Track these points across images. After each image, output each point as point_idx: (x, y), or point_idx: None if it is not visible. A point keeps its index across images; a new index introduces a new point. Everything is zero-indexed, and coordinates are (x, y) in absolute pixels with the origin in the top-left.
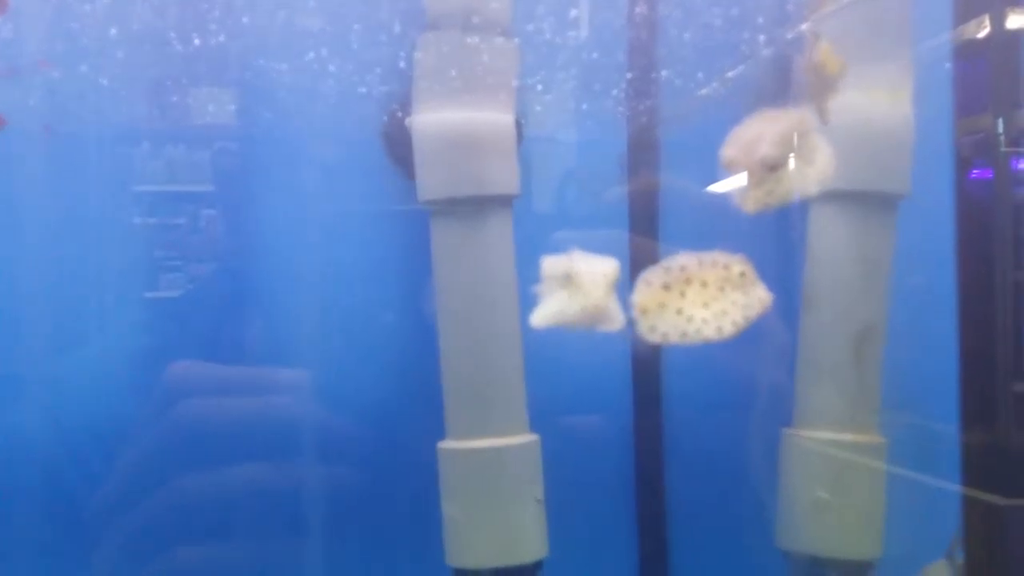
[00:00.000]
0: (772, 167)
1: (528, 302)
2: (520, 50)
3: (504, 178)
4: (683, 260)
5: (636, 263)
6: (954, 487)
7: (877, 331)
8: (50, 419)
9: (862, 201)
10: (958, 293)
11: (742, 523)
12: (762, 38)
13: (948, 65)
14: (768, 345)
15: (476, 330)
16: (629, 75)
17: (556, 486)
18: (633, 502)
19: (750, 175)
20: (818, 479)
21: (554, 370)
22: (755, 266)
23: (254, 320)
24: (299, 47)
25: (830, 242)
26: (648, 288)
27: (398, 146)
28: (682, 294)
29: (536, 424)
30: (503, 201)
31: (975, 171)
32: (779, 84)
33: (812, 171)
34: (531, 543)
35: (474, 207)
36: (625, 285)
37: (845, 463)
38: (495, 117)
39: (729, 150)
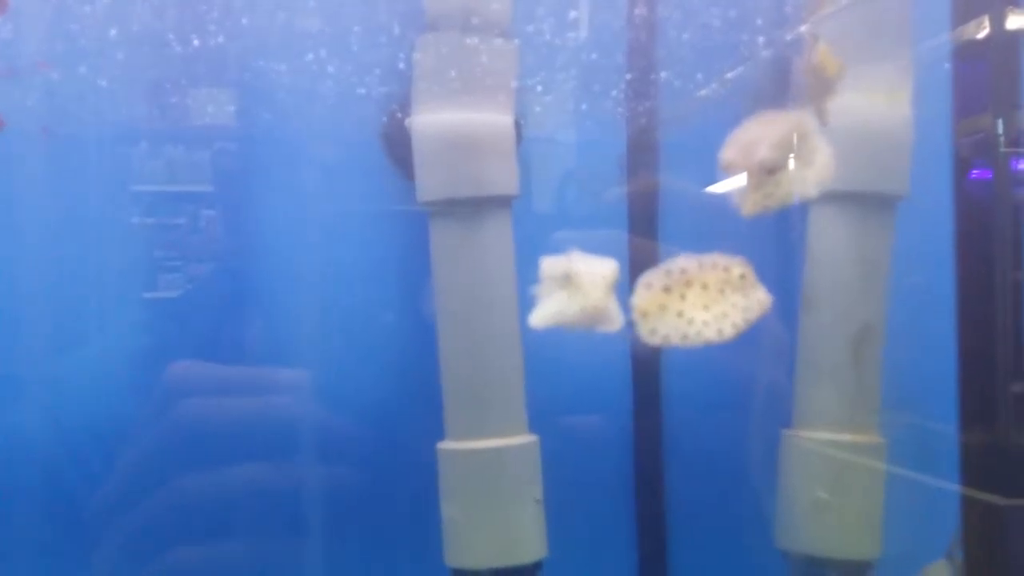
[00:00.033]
0: (770, 170)
1: (527, 303)
2: (519, 51)
3: (503, 179)
4: (683, 262)
5: (635, 264)
6: (953, 487)
7: (876, 331)
8: (50, 419)
9: (861, 202)
10: (957, 293)
11: (741, 523)
12: (761, 40)
13: (947, 66)
14: (767, 345)
15: (475, 331)
16: (628, 76)
17: (555, 486)
18: (632, 502)
19: (749, 178)
20: (817, 479)
21: (553, 371)
22: (754, 267)
23: (253, 320)
24: (298, 48)
25: (829, 243)
26: (648, 291)
27: (397, 147)
28: (682, 296)
29: (535, 424)
30: (502, 202)
31: (974, 171)
32: (778, 85)
33: (811, 173)
34: (530, 543)
35: (473, 208)
36: (624, 286)
37: (844, 463)
38: (494, 118)
39: (728, 153)
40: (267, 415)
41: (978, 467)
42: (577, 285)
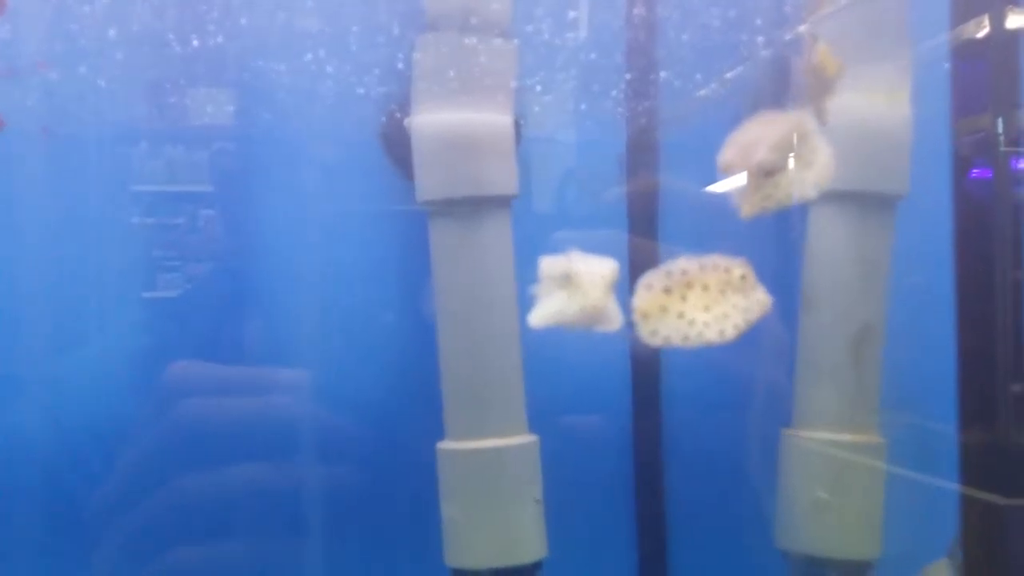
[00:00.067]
0: (768, 172)
1: (527, 302)
2: (519, 51)
3: (502, 179)
4: (684, 264)
5: (635, 263)
6: (953, 487)
7: (876, 331)
8: (50, 418)
9: (861, 201)
10: (957, 293)
11: (741, 523)
12: (760, 39)
13: (946, 65)
14: (767, 345)
15: (475, 331)
16: (628, 76)
17: (555, 486)
18: (632, 502)
19: (747, 180)
20: (817, 479)
21: (553, 370)
22: (754, 266)
23: (253, 320)
24: (298, 48)
25: (829, 242)
26: (649, 292)
27: (396, 147)
28: (683, 298)
29: (535, 424)
30: (502, 202)
31: (974, 171)
32: (777, 85)
33: (810, 175)
34: (530, 543)
35: (472, 208)
36: (624, 286)
37: (844, 463)
38: (493, 118)
39: (726, 155)
40: (267, 415)
41: (978, 467)
42: (576, 285)
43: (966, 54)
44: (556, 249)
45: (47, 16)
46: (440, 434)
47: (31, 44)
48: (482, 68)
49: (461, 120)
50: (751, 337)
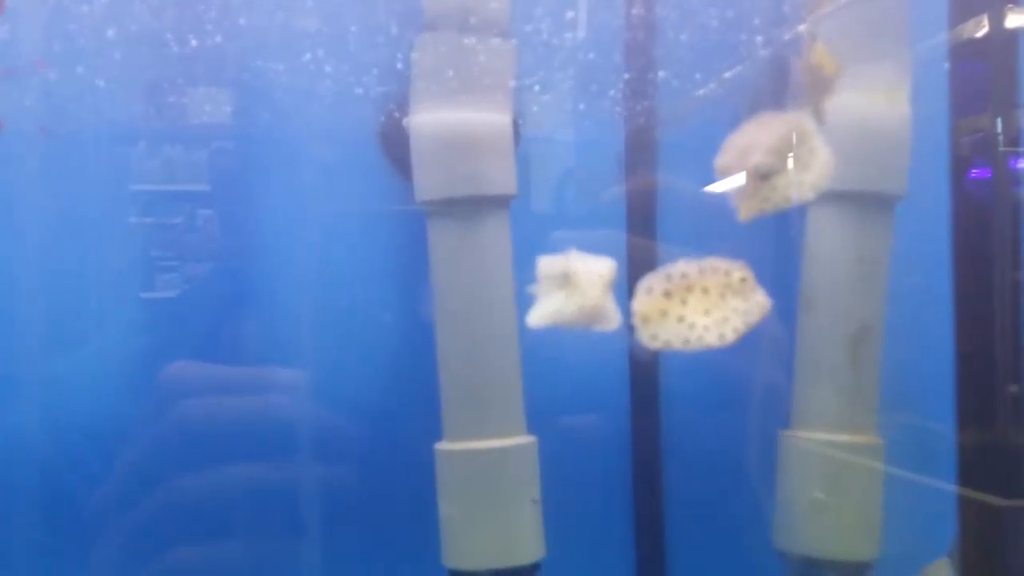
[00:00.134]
0: (765, 175)
1: (525, 302)
2: (517, 51)
3: (501, 178)
4: (683, 267)
5: (634, 263)
6: (951, 488)
7: (874, 332)
8: (46, 418)
9: (860, 201)
10: (955, 293)
11: (739, 524)
12: (759, 39)
13: (945, 65)
14: (766, 346)
15: (473, 331)
16: (627, 76)
17: (554, 487)
18: (630, 503)
19: (745, 183)
20: (815, 480)
21: (552, 371)
22: (753, 267)
23: (251, 320)
24: (296, 48)
25: (828, 242)
26: (649, 296)
27: (395, 147)
28: (683, 301)
29: (534, 425)
30: (500, 201)
31: (973, 171)
32: (776, 85)
33: (808, 177)
34: (528, 544)
35: (471, 207)
36: (623, 286)
37: (842, 464)
38: (492, 118)
39: (723, 158)
40: (265, 415)
41: (976, 468)
42: (575, 284)
43: (965, 54)
44: (555, 249)
45: (46, 16)
46: (438, 434)
47: (30, 44)
48: (481, 68)
49: (460, 120)
50: (750, 337)
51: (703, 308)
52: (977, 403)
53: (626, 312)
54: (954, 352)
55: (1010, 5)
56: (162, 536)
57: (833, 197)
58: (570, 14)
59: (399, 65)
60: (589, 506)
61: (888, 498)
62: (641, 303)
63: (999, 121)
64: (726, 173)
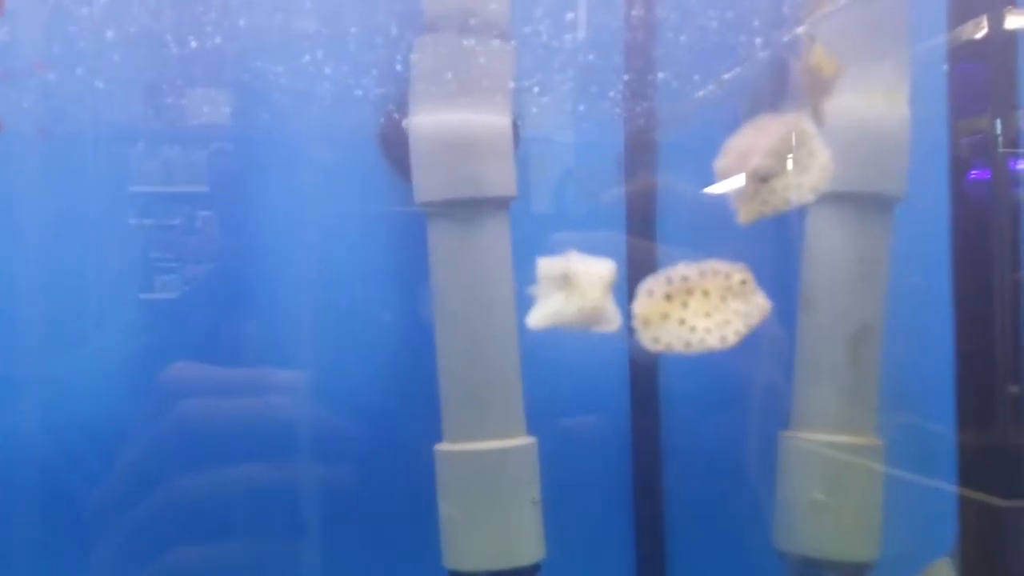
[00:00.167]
0: (764, 178)
1: (525, 303)
2: (517, 52)
3: (501, 180)
4: (684, 270)
5: (633, 264)
6: (951, 488)
7: (874, 332)
8: (46, 418)
9: (859, 202)
10: (955, 294)
11: (739, 524)
12: (758, 40)
13: (944, 66)
14: (766, 346)
15: (473, 332)
16: (626, 77)
17: (554, 487)
18: (630, 503)
19: (744, 186)
20: (815, 481)
21: (551, 371)
22: (753, 267)
23: (251, 321)
24: (296, 49)
25: (827, 243)
26: (650, 299)
27: (394, 148)
28: (684, 304)
29: (533, 425)
30: (500, 203)
31: (973, 172)
32: (775, 87)
33: (807, 179)
34: (528, 545)
35: (471, 209)
36: (622, 287)
37: (842, 465)
38: (492, 119)
39: (723, 161)
40: (265, 416)
41: (976, 468)
42: (575, 285)
43: (964, 55)
44: (554, 250)
45: (45, 18)
46: (438, 435)
47: (29, 45)
48: (480, 69)
49: (459, 121)
50: (750, 338)
51: (704, 311)
52: (977, 403)
53: (626, 314)
54: (954, 352)
55: (1009, 6)
56: (162, 536)
57: (833, 198)
58: (570, 15)
59: (398, 66)
60: (589, 507)
61: (888, 499)
62: (642, 306)
63: (998, 122)
64: (726, 176)
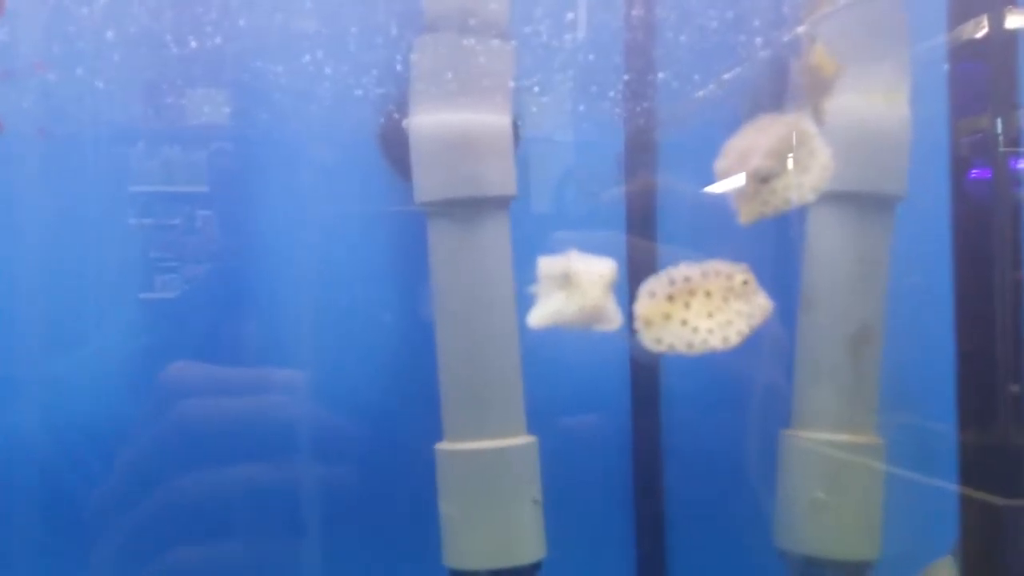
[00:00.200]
0: (764, 179)
1: (526, 303)
2: (517, 52)
3: (501, 179)
4: (686, 271)
5: (634, 264)
6: (952, 487)
7: (875, 332)
8: (46, 418)
9: (859, 202)
10: (955, 293)
11: (740, 523)
12: (759, 40)
13: (945, 66)
14: (766, 346)
15: (474, 331)
16: (626, 77)
17: (554, 487)
18: (631, 502)
19: (745, 187)
20: (816, 480)
21: (552, 371)
22: (753, 267)
23: (251, 321)
24: (296, 49)
25: (828, 243)
26: (652, 300)
27: (394, 148)
28: (686, 305)
29: (534, 424)
30: (500, 202)
31: (973, 171)
32: (776, 86)
33: (808, 179)
34: (529, 544)
35: (471, 208)
36: (623, 286)
37: (843, 464)
38: (492, 119)
39: (723, 162)
40: (265, 416)
41: (977, 467)
42: (576, 284)
43: (965, 54)
44: (555, 249)
45: (45, 18)
46: (438, 435)
47: (29, 46)
48: (480, 69)
49: (459, 121)
50: (750, 338)
51: (706, 311)
52: (978, 402)
53: (627, 315)
54: (955, 352)
55: (1009, 6)
56: (162, 536)
57: (833, 198)
58: (570, 15)
59: (398, 66)
60: (590, 506)
61: (889, 498)
62: (644, 307)
63: (999, 122)
64: (726, 177)
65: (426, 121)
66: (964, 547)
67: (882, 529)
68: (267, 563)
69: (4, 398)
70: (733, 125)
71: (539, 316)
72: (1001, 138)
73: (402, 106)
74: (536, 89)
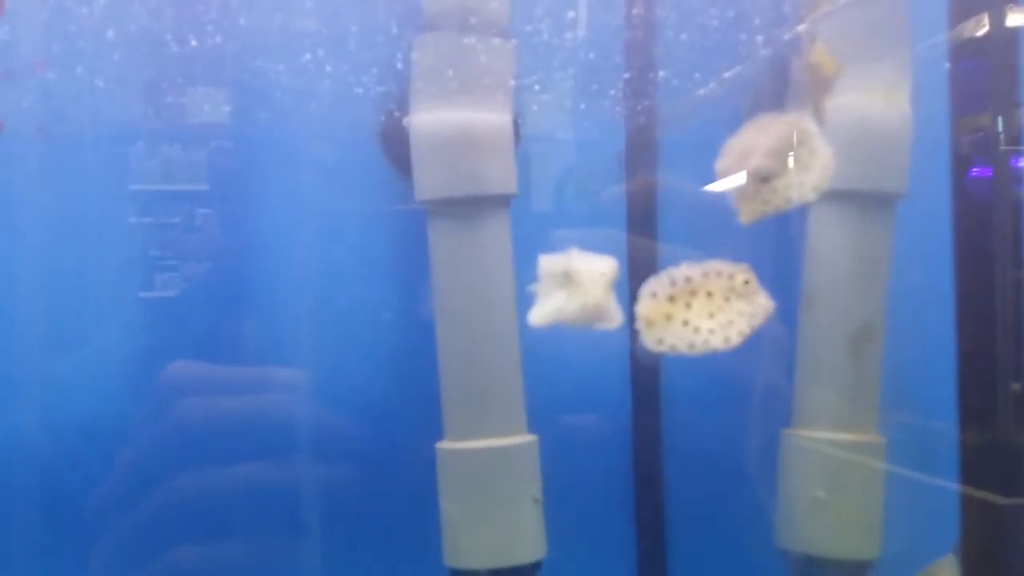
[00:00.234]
0: (765, 178)
1: (526, 301)
2: (517, 50)
3: (501, 178)
4: (687, 271)
5: (634, 262)
6: (953, 486)
7: (876, 330)
8: (46, 418)
9: (860, 201)
10: (956, 292)
11: (741, 522)
12: (759, 39)
13: (946, 64)
14: (767, 345)
15: (474, 330)
16: (627, 75)
17: (555, 486)
18: (632, 501)
19: (745, 186)
20: (816, 479)
21: (553, 369)
22: (754, 265)
23: (251, 320)
24: (296, 48)
25: (829, 241)
26: (653, 300)
27: (395, 146)
28: (688, 305)
29: (535, 423)
30: (501, 201)
31: (974, 170)
32: (776, 85)
33: (809, 178)
34: (529, 543)
35: (472, 207)
36: (624, 284)
37: (843, 463)
38: (492, 117)
39: (724, 161)
40: (265, 415)
41: (977, 466)
42: (576, 283)
43: (966, 53)
44: (555, 248)
45: (45, 17)
46: (439, 433)
47: (29, 45)
48: (481, 67)
49: (460, 119)
50: (751, 337)
51: (708, 312)
52: (979, 401)
53: (628, 315)
54: (955, 350)
55: (1010, 4)
56: (162, 536)
57: (834, 196)
58: (570, 14)
59: (399, 65)
60: (590, 505)
61: (889, 497)
62: (645, 307)
63: (1000, 120)
64: (726, 176)
65: (426, 119)
66: (965, 546)
67: (883, 528)
68: (267, 563)
69: (4, 398)
70: (734, 124)
71: (540, 314)
72: (1002, 136)
73: (402, 104)
74: (537, 87)
